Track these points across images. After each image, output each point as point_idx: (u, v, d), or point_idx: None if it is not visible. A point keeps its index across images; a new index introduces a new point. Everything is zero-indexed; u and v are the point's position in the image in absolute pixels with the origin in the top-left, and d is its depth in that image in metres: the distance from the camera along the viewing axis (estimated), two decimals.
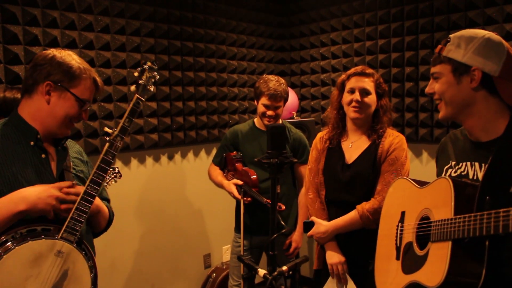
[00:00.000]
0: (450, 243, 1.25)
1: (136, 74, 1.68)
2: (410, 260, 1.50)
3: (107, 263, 3.18)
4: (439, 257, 1.29)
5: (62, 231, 1.48)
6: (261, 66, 4.17)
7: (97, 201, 1.72)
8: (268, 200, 2.47)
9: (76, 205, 1.50)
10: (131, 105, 1.61)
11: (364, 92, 2.18)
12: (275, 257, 1.58)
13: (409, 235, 1.54)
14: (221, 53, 3.79)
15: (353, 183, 2.19)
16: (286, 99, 2.83)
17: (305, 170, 2.51)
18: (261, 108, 2.78)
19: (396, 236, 1.64)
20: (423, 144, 3.44)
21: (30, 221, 1.47)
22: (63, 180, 1.59)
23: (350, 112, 2.21)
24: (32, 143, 1.54)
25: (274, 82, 2.74)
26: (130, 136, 3.25)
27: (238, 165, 2.82)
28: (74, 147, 1.80)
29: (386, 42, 3.53)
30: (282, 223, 1.61)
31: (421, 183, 1.59)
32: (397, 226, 1.65)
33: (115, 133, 1.58)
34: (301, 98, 4.23)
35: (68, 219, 1.49)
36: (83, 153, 1.84)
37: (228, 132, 3.03)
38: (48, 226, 1.49)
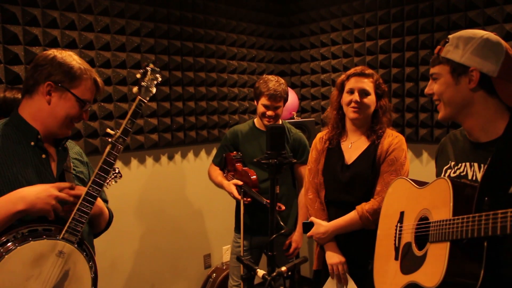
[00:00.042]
0: (448, 243, 1.25)
1: (138, 75, 1.70)
2: (409, 261, 1.49)
3: (107, 263, 3.18)
4: (437, 258, 1.29)
5: (63, 232, 1.48)
6: (261, 66, 4.17)
7: (100, 202, 1.73)
8: (268, 201, 2.47)
9: (77, 205, 1.51)
10: (133, 106, 1.62)
11: (363, 93, 2.18)
12: (274, 258, 1.58)
13: (408, 236, 1.54)
14: (221, 53, 3.79)
15: (352, 184, 2.19)
16: (286, 99, 2.83)
17: (305, 171, 2.51)
18: (260, 108, 2.78)
19: (395, 237, 1.63)
20: (423, 144, 3.44)
21: (32, 221, 1.47)
22: (63, 181, 1.60)
23: (349, 113, 2.21)
24: (32, 143, 1.54)
25: (273, 82, 2.74)
26: (130, 136, 3.25)
27: (238, 165, 2.82)
28: (74, 148, 1.80)
29: (386, 42, 3.53)
30: (281, 223, 1.60)
31: (420, 184, 1.59)
32: (396, 226, 1.65)
33: (117, 134, 1.59)
34: (301, 98, 4.23)
35: (69, 220, 1.50)
36: (83, 154, 1.84)
37: (228, 132, 3.03)
38: (49, 226, 1.49)
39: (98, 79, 1.66)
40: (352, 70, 2.24)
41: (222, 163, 2.96)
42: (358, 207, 2.15)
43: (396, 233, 1.64)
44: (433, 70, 1.49)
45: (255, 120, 2.97)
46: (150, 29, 3.27)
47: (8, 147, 1.51)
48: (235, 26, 3.89)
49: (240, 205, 2.72)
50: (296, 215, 2.91)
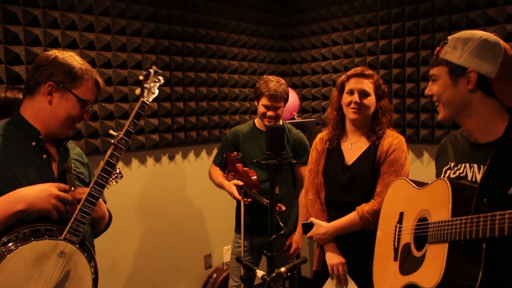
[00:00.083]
0: (446, 245, 1.25)
1: (141, 77, 1.71)
2: (408, 261, 1.49)
3: (107, 263, 3.19)
4: (435, 259, 1.28)
5: (65, 232, 1.49)
6: (262, 66, 4.17)
7: (102, 205, 1.74)
8: (268, 201, 2.47)
9: (80, 206, 1.52)
10: (136, 108, 1.63)
11: (363, 94, 2.17)
12: (273, 258, 1.58)
13: (407, 236, 1.54)
14: (222, 54, 3.79)
15: (352, 185, 2.19)
16: (286, 100, 2.83)
17: (306, 171, 2.51)
18: (261, 109, 2.78)
19: (394, 237, 1.63)
20: (424, 145, 3.43)
21: (33, 221, 1.47)
22: (64, 181, 1.60)
23: (349, 114, 2.21)
24: (33, 143, 1.55)
25: (274, 82, 2.74)
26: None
27: (239, 165, 2.81)
28: (74, 149, 1.80)
29: (387, 43, 3.53)
30: (281, 224, 1.60)
31: (420, 184, 1.59)
32: (395, 227, 1.64)
33: (120, 136, 1.60)
34: (302, 98, 4.23)
35: (71, 220, 1.51)
36: (83, 155, 1.85)
37: (228, 132, 3.03)
38: (51, 226, 1.50)
39: (99, 80, 1.66)
40: (352, 71, 2.24)
41: (222, 163, 2.96)
42: (358, 208, 2.14)
43: (395, 234, 1.64)
44: (432, 71, 1.49)
45: (256, 120, 2.97)
46: (151, 29, 3.27)
47: (9, 147, 1.51)
48: (236, 26, 3.89)
49: (240, 206, 2.72)
50: (296, 215, 2.91)
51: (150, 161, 3.46)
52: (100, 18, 3.00)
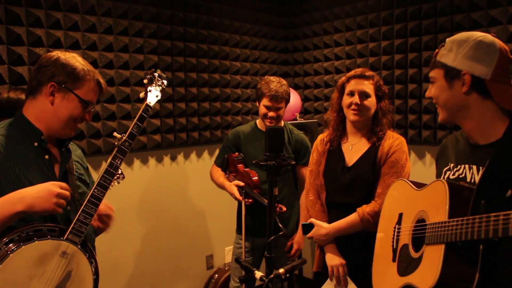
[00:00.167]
0: (443, 246, 1.25)
1: (145, 81, 1.76)
2: (406, 262, 1.49)
3: (109, 263, 3.20)
4: (432, 260, 1.28)
5: (67, 232, 1.50)
6: (264, 67, 4.17)
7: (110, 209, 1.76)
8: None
9: (82, 207, 1.53)
10: (140, 111, 1.66)
11: (364, 95, 2.17)
12: (272, 260, 1.58)
13: (405, 237, 1.54)
14: (224, 54, 3.80)
15: (353, 186, 2.19)
16: (287, 100, 2.83)
17: (307, 172, 2.51)
18: (262, 109, 2.79)
19: (393, 238, 1.63)
20: (426, 146, 3.43)
21: (36, 221, 1.48)
22: (66, 182, 1.61)
23: (350, 115, 2.20)
24: (36, 144, 1.55)
25: (275, 83, 2.74)
26: None
27: (240, 166, 2.82)
28: (76, 151, 1.81)
29: (389, 44, 3.52)
30: (280, 225, 1.60)
31: (419, 185, 1.58)
32: (394, 228, 1.64)
33: (124, 138, 1.62)
34: (304, 99, 4.23)
35: (74, 221, 1.52)
36: (84, 159, 1.86)
37: (230, 133, 3.03)
38: (53, 226, 1.50)
39: (101, 81, 1.68)
40: (352, 72, 2.24)
41: (224, 164, 2.96)
42: (359, 209, 2.14)
43: (394, 235, 1.63)
44: (430, 74, 1.50)
45: (257, 121, 2.97)
46: (153, 30, 3.28)
47: (12, 147, 1.52)
48: (238, 27, 3.90)
49: (241, 206, 2.72)
50: (298, 216, 2.91)
51: (152, 161, 3.47)
52: (102, 19, 3.01)
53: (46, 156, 1.58)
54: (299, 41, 4.26)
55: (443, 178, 1.54)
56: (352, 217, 2.16)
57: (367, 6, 3.67)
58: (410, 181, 1.65)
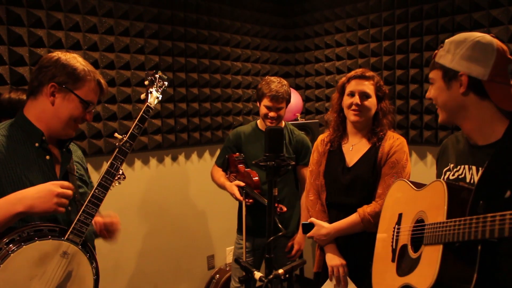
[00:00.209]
0: (441, 246, 1.25)
1: (146, 83, 1.77)
2: (405, 263, 1.49)
3: (110, 264, 3.20)
4: (430, 261, 1.28)
5: (68, 233, 1.50)
6: (265, 67, 4.17)
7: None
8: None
9: (83, 207, 1.53)
10: (141, 112, 1.68)
11: (364, 95, 2.17)
12: (271, 260, 1.58)
13: (404, 238, 1.54)
14: (225, 55, 3.80)
15: (353, 186, 2.19)
16: (288, 101, 2.83)
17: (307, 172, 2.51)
18: (263, 110, 2.79)
19: (393, 238, 1.63)
20: (428, 146, 3.42)
21: (37, 221, 1.49)
22: None
23: (350, 115, 2.20)
24: (37, 144, 1.56)
25: (276, 83, 2.74)
26: None
27: (241, 166, 2.82)
28: (77, 152, 1.82)
29: (390, 44, 3.52)
30: (279, 225, 1.60)
31: (418, 185, 1.58)
32: (394, 228, 1.64)
33: (124, 139, 1.63)
34: (306, 99, 4.22)
35: (75, 221, 1.52)
36: (84, 160, 1.87)
37: (231, 133, 3.03)
38: (54, 226, 1.51)
39: (102, 81, 1.68)
40: (352, 73, 2.24)
41: (225, 164, 2.97)
42: (360, 210, 2.14)
43: (393, 235, 1.63)
44: (430, 75, 1.50)
45: (258, 121, 2.97)
46: (154, 30, 3.28)
47: (13, 148, 1.52)
48: (239, 27, 3.90)
49: (242, 207, 2.72)
50: (298, 216, 2.91)
51: (153, 162, 3.47)
52: (103, 20, 3.02)
53: (47, 157, 1.58)
54: (300, 41, 4.26)
55: (443, 178, 1.54)
56: (353, 218, 2.16)
57: (368, 7, 3.66)
58: (410, 182, 1.65)
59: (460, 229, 1.19)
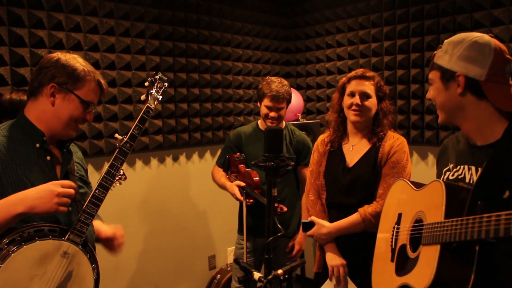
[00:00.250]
0: (438, 246, 1.25)
1: (146, 84, 1.79)
2: (403, 263, 1.49)
3: (111, 264, 3.20)
4: (428, 261, 1.28)
5: (69, 233, 1.51)
6: (266, 67, 4.17)
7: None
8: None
9: (84, 207, 1.54)
10: (141, 113, 1.69)
11: (364, 96, 2.17)
12: (271, 260, 1.58)
13: (403, 238, 1.54)
14: (226, 55, 3.80)
15: (353, 187, 2.19)
16: (289, 101, 2.83)
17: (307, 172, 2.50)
18: (264, 110, 2.79)
19: (392, 238, 1.63)
20: (429, 146, 3.41)
21: (38, 221, 1.49)
22: None
23: (351, 116, 2.20)
24: (37, 145, 1.56)
25: (276, 83, 2.74)
26: None
27: (241, 166, 2.82)
28: (77, 153, 1.82)
29: (391, 44, 3.51)
30: (279, 226, 1.60)
31: (418, 185, 1.58)
32: (393, 228, 1.64)
33: (125, 139, 1.64)
34: (307, 100, 4.22)
35: (75, 221, 1.52)
36: (83, 161, 1.88)
37: (231, 133, 3.04)
38: (54, 227, 1.51)
39: (102, 81, 1.68)
40: (353, 73, 2.23)
41: (225, 164, 2.96)
42: (361, 210, 2.14)
43: (393, 235, 1.63)
44: (429, 76, 1.49)
45: (259, 121, 2.97)
46: (155, 31, 3.29)
47: (14, 148, 1.52)
48: (240, 27, 3.90)
49: (243, 207, 2.72)
50: (299, 217, 2.90)
51: (154, 162, 3.48)
52: (104, 20, 3.02)
53: (48, 157, 1.58)
54: (301, 41, 4.26)
55: (443, 178, 1.54)
56: (354, 217, 2.16)
57: (369, 6, 3.66)
58: (410, 181, 1.65)
59: (457, 229, 1.18)
